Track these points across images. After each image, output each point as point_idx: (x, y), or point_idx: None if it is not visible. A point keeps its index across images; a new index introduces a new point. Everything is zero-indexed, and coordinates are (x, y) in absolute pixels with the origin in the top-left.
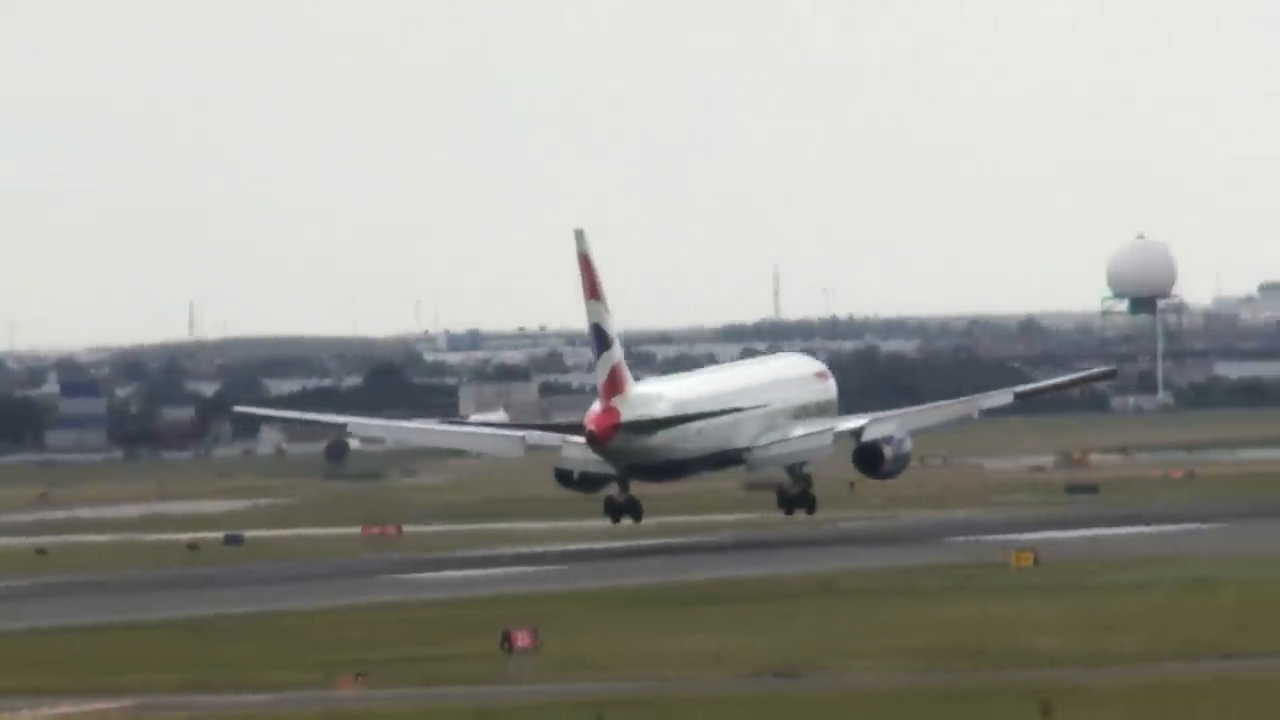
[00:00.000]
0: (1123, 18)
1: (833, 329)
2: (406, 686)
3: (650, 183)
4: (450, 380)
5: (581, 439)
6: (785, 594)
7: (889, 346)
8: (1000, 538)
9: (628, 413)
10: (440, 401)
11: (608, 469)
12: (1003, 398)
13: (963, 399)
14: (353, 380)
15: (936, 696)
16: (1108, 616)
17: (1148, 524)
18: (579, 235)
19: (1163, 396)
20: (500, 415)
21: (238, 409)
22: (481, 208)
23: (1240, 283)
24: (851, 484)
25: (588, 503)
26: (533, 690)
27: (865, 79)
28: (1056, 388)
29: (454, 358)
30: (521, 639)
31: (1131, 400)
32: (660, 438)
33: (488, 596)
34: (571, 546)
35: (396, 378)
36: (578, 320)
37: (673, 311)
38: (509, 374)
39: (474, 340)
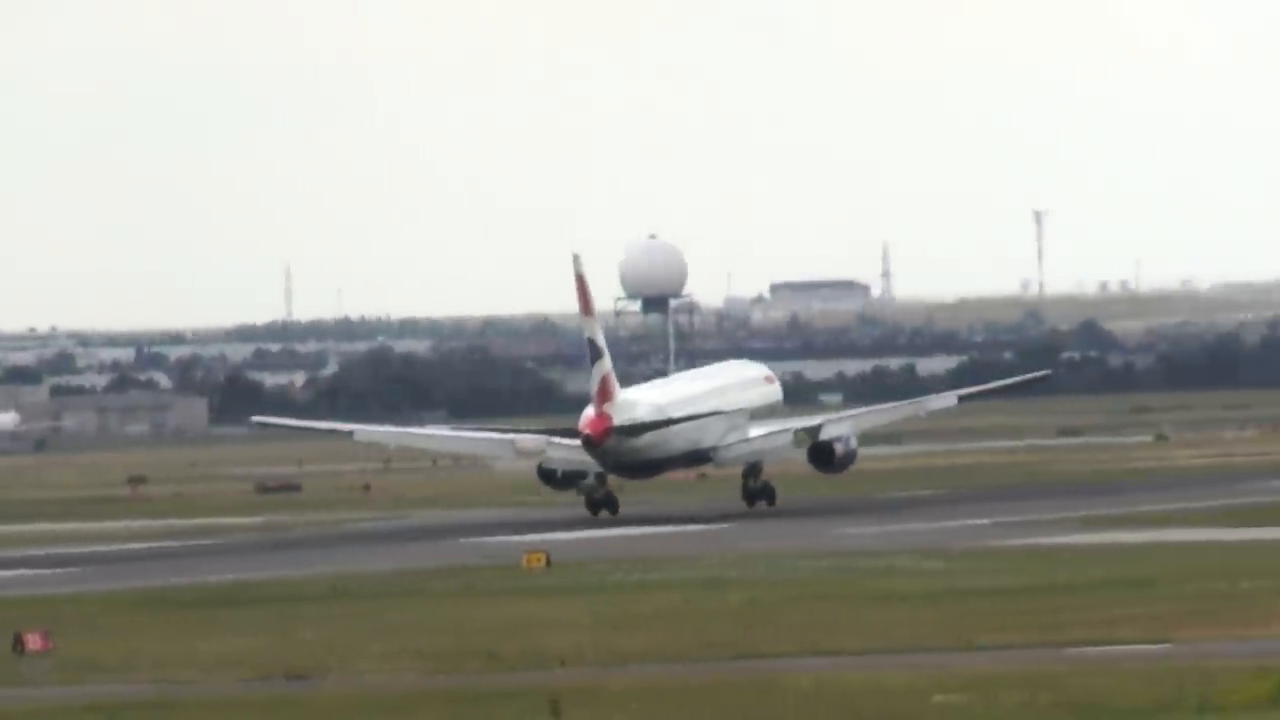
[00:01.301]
0: (613, 23)
1: (346, 330)
2: None
3: (156, 180)
4: None
5: (564, 441)
6: (297, 596)
7: (402, 347)
8: (512, 539)
9: (619, 417)
10: None
11: (586, 467)
12: (947, 400)
13: (910, 401)
14: None
15: (447, 698)
16: (619, 617)
17: (660, 524)
18: (576, 259)
19: None
20: (12, 417)
21: (256, 419)
22: None
23: (751, 283)
24: (366, 486)
25: (103, 505)
26: (44, 693)
27: (365, 75)
28: (998, 390)
29: None
30: (34, 641)
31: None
32: (645, 439)
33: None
34: (87, 548)
35: None
36: (89, 321)
37: (184, 311)
38: (19, 376)
39: None
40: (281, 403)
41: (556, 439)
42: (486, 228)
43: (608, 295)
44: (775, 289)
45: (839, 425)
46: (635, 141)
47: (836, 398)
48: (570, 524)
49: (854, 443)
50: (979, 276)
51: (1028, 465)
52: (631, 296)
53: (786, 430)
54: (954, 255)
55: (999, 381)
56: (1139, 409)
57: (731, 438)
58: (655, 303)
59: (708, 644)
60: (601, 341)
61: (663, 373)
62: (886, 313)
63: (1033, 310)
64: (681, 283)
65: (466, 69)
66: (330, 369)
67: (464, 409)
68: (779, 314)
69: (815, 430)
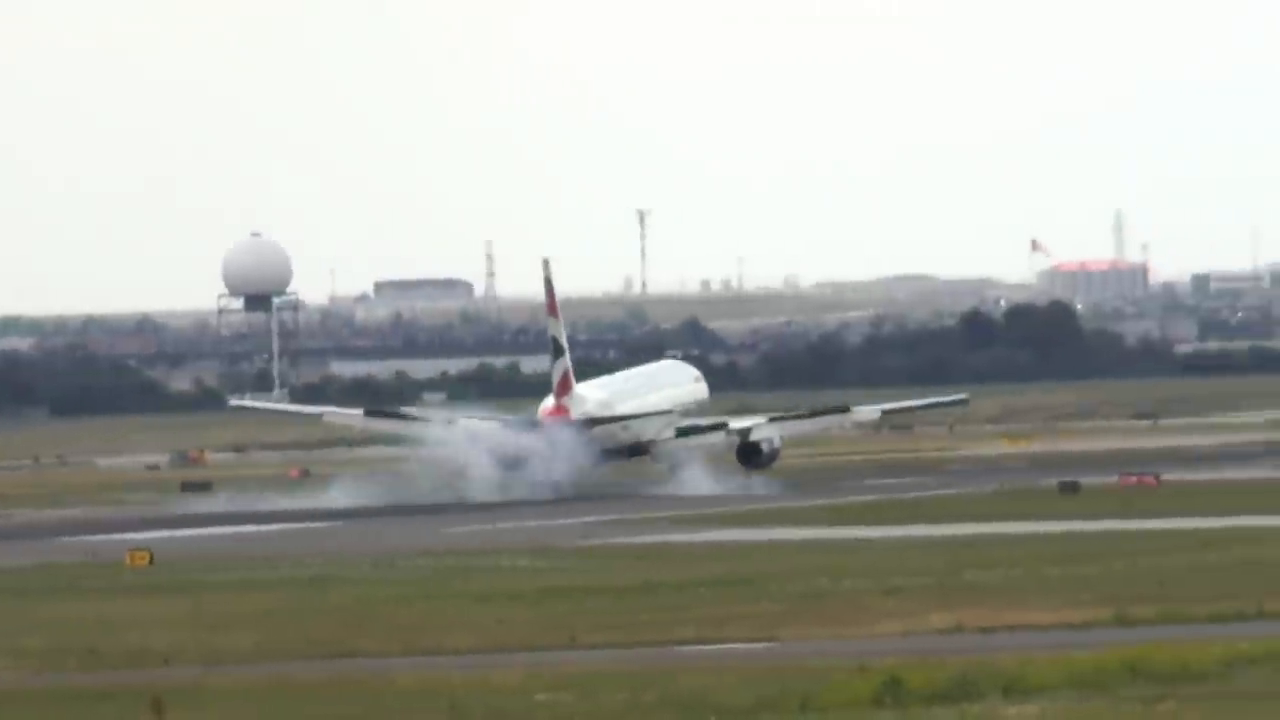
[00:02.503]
0: (218, 21)
1: None
2: None
3: None
4: None
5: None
6: None
7: (4, 344)
8: (115, 537)
9: (575, 411)
10: None
11: (533, 452)
12: (871, 413)
13: (836, 414)
14: None
15: (48, 697)
16: (223, 615)
17: (264, 522)
18: (545, 263)
19: (278, 394)
20: None
21: (234, 401)
22: None
23: (355, 281)
24: None
25: None
26: None
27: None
28: (915, 409)
29: None
30: None
31: (248, 398)
32: (596, 432)
33: None
34: None
35: None
36: None
37: None
38: None
39: None
40: None
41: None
42: (89, 226)
43: (211, 293)
44: (379, 287)
45: (766, 429)
46: (238, 138)
47: (440, 396)
48: (175, 522)
49: (778, 443)
50: (583, 275)
51: (633, 466)
52: (234, 294)
53: (721, 429)
54: (558, 253)
55: (919, 401)
56: (742, 408)
57: (668, 433)
58: (259, 301)
59: (312, 643)
60: (564, 340)
61: (266, 373)
62: (491, 311)
63: (636, 309)
64: (285, 281)
65: (74, 66)
66: None
67: (65, 407)
68: (383, 312)
69: (746, 431)
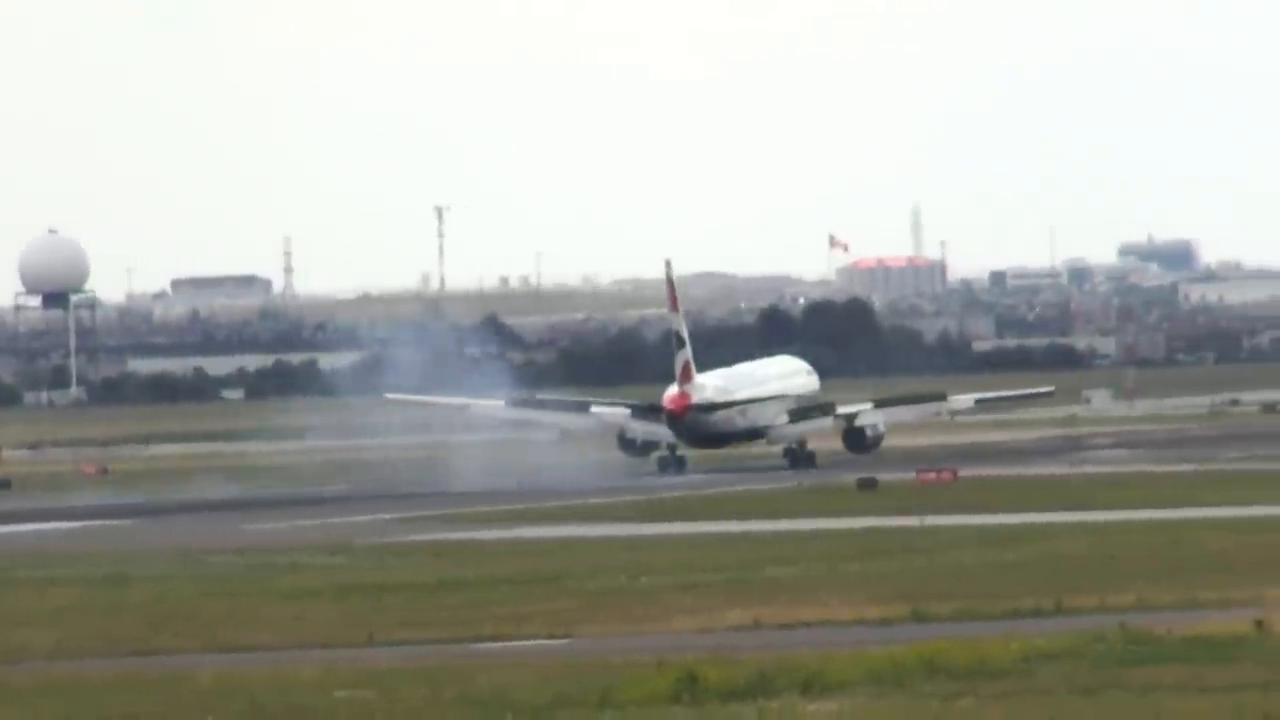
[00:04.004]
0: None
1: None
2: None
3: None
4: None
5: (643, 414)
6: None
7: None
8: None
9: (696, 397)
10: None
11: (659, 437)
12: (967, 401)
13: (934, 402)
14: None
15: None
16: (20, 613)
17: (61, 520)
18: (667, 263)
19: (76, 392)
20: None
21: (390, 396)
22: None
23: (153, 278)
24: None
25: None
26: None
27: None
28: (1009, 400)
29: None
30: None
31: (45, 395)
32: (717, 416)
33: None
34: None
35: None
36: None
37: None
38: None
39: None
40: None
41: (635, 414)
42: None
43: (7, 290)
44: (177, 284)
45: (871, 415)
46: (35, 134)
47: (238, 394)
48: None
49: (882, 428)
50: (381, 272)
51: (435, 460)
52: (32, 292)
53: (828, 415)
54: (356, 250)
55: (1012, 391)
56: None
57: (782, 419)
58: (56, 298)
59: (111, 640)
60: (684, 333)
61: (64, 369)
62: (290, 308)
63: (434, 305)
64: (83, 278)
65: None
66: None
67: None
68: (181, 309)
69: (852, 417)
